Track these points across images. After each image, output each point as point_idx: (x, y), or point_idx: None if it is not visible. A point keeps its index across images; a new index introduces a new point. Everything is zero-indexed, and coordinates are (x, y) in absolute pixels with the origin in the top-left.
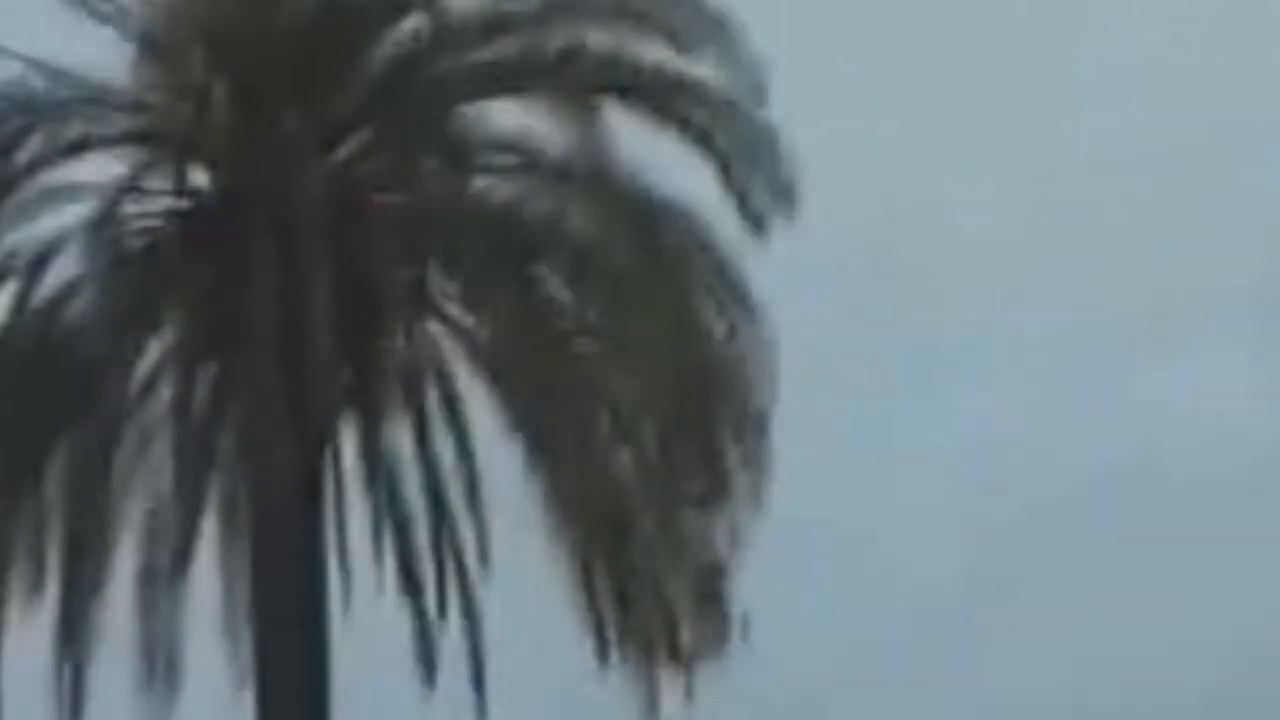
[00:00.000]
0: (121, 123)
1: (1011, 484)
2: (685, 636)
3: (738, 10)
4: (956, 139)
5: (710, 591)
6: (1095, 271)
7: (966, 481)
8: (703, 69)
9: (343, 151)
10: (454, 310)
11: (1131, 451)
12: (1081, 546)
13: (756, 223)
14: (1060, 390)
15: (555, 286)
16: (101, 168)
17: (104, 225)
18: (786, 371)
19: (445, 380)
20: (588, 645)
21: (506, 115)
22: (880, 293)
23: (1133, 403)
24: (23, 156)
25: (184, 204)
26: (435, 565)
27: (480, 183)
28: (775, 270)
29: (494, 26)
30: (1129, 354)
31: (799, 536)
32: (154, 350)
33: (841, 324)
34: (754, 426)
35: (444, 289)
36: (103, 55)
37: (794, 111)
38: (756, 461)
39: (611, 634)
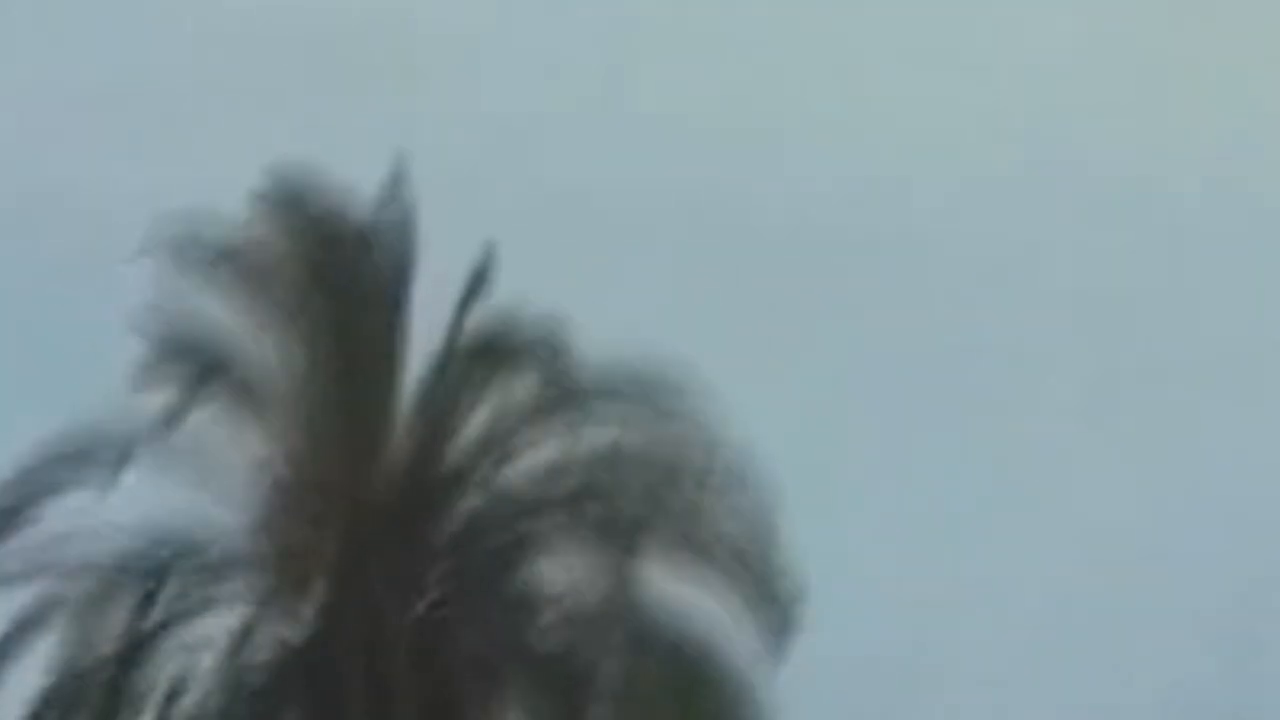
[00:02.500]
0: (238, 581)
1: None
2: None
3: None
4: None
5: None
6: None
7: None
8: (719, 510)
9: (421, 605)
10: None
11: None
12: None
13: (775, 645)
14: None
15: (600, 716)
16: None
17: (222, 672)
18: None
19: None
20: None
21: (556, 569)
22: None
23: None
24: (158, 610)
25: (287, 648)
26: None
27: (534, 630)
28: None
29: (541, 502)
30: None
31: None
32: None
33: None
34: None
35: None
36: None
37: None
38: None
39: None
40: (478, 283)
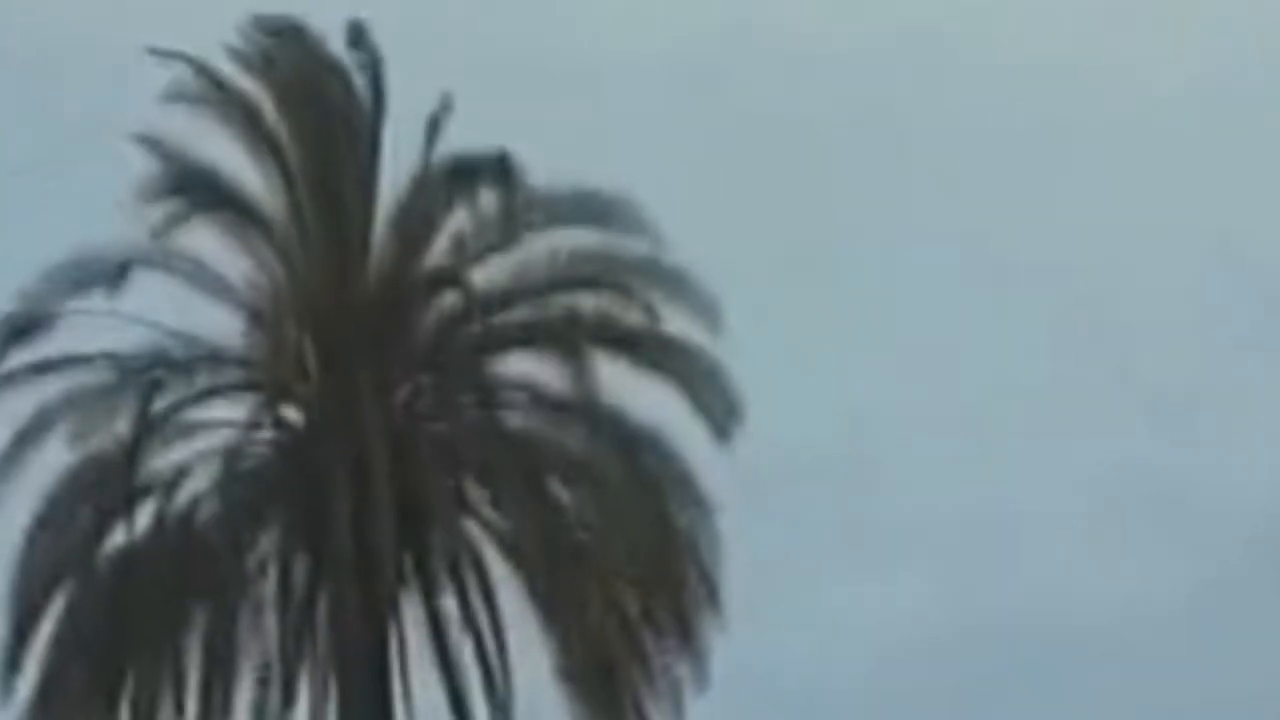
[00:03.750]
0: (234, 376)
1: None
2: None
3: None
4: None
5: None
6: None
7: None
8: (671, 321)
9: (400, 395)
10: (486, 512)
11: None
12: None
13: (719, 433)
14: None
15: (560, 493)
16: (220, 410)
17: (225, 455)
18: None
19: (480, 564)
20: None
21: (521, 364)
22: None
23: None
24: (160, 404)
25: (281, 435)
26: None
27: (503, 415)
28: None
29: (509, 298)
30: None
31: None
32: (262, 545)
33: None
34: (710, 592)
35: (478, 496)
36: (219, 323)
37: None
38: (713, 620)
39: None
40: (443, 110)
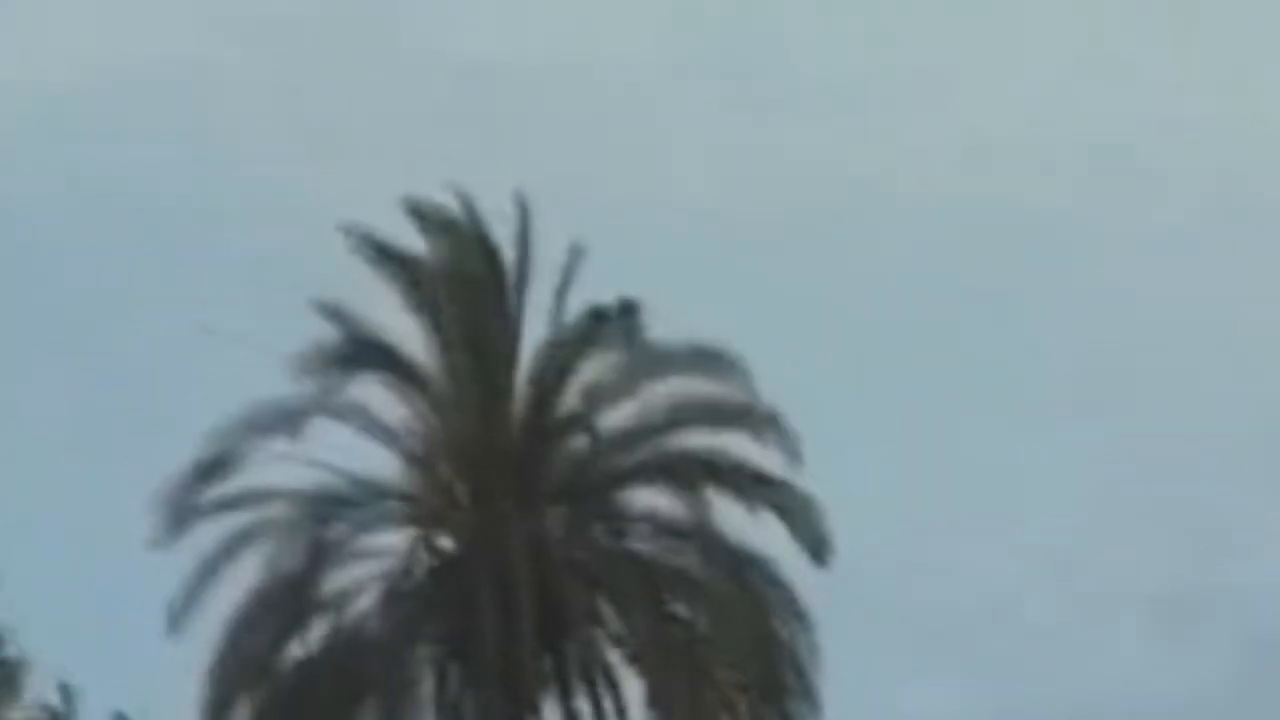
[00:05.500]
0: (396, 509)
1: None
2: None
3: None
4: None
5: None
6: None
7: None
8: (768, 457)
9: (539, 524)
10: (614, 625)
11: None
12: None
13: (815, 557)
14: None
15: (678, 608)
16: (384, 539)
17: (387, 577)
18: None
19: (609, 671)
20: None
21: (644, 496)
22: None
23: None
24: (332, 534)
25: (436, 560)
26: None
27: (629, 541)
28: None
29: (632, 438)
30: None
31: None
32: (420, 654)
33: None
34: (809, 695)
35: (608, 612)
36: (382, 464)
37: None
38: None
39: None
40: (573, 261)
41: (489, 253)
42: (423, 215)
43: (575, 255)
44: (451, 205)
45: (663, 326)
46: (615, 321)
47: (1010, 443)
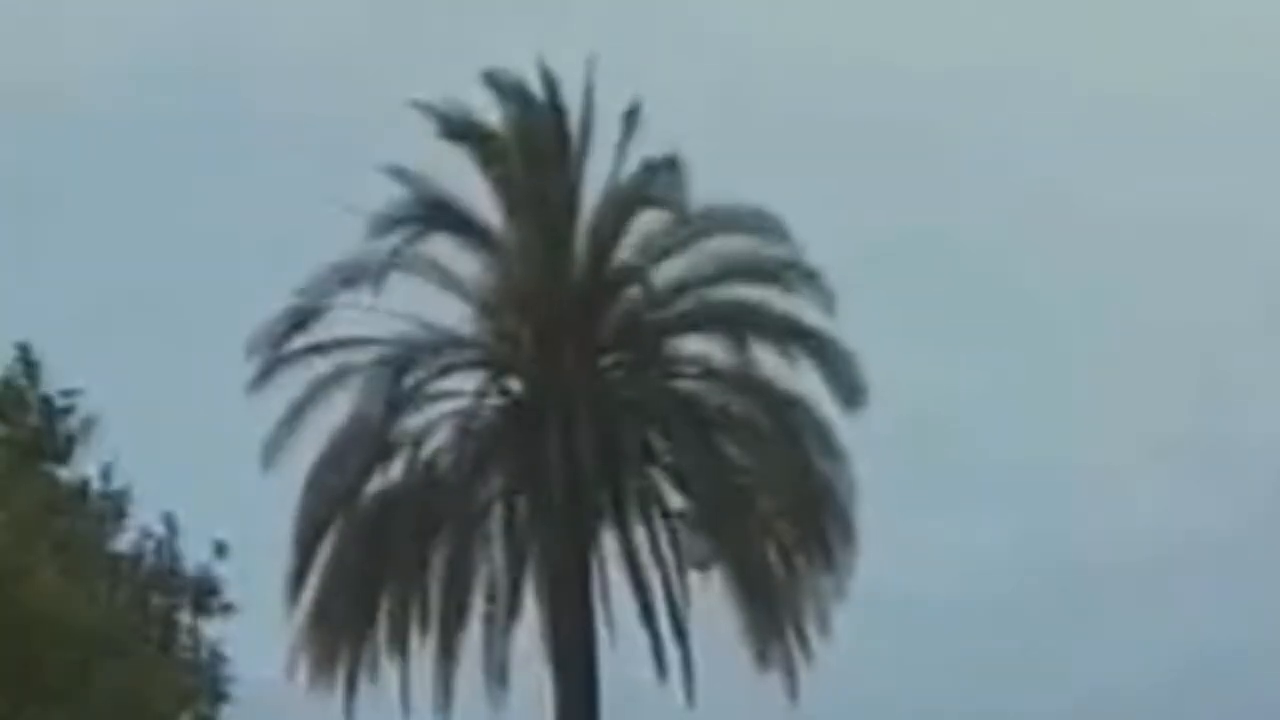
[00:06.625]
0: (467, 355)
1: None
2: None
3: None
4: None
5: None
6: None
7: None
8: (805, 309)
9: (598, 368)
10: (668, 459)
11: None
12: None
13: (848, 403)
14: None
15: (726, 446)
16: (456, 382)
17: (460, 417)
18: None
19: (663, 502)
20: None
21: (693, 343)
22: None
23: None
24: (409, 378)
25: (504, 401)
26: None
27: (679, 384)
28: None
29: (680, 289)
30: None
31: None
32: (489, 488)
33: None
34: (845, 525)
35: (661, 448)
36: (455, 314)
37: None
38: (849, 547)
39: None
40: (630, 120)
41: (557, 117)
42: (497, 84)
43: (633, 114)
44: (523, 71)
45: (711, 185)
46: (661, 175)
47: None
